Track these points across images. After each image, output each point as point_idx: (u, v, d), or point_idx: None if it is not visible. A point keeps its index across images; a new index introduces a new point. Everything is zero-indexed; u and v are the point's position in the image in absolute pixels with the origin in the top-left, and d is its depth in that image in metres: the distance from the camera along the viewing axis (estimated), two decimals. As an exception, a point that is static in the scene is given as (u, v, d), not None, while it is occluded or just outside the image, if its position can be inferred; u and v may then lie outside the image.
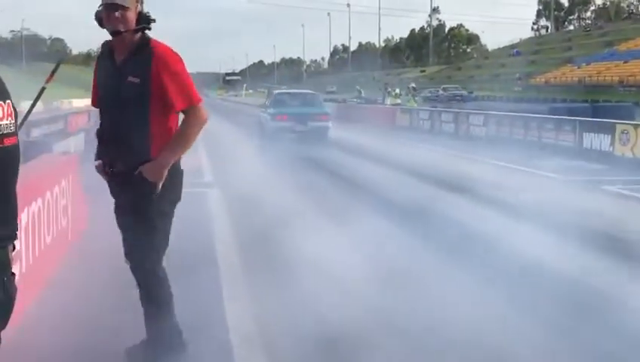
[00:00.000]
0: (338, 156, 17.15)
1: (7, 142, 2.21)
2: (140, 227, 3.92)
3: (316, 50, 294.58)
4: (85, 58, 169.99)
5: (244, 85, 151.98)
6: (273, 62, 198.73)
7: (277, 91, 25.49)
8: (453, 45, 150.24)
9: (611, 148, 15.32)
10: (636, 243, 7.55)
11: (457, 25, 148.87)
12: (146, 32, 3.87)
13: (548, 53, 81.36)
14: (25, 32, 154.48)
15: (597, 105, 31.96)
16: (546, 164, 14.73)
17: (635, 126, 14.94)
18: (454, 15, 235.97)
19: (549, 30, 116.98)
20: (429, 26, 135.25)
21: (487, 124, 21.63)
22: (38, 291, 5.23)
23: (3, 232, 2.23)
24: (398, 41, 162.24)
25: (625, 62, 59.40)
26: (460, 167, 14.38)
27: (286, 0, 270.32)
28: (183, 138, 3.90)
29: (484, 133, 21.62)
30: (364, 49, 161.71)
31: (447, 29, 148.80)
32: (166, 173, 3.86)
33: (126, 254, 4.05)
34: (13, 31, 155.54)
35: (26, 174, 5.51)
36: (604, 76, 58.25)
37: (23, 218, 4.92)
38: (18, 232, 2.33)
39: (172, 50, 3.91)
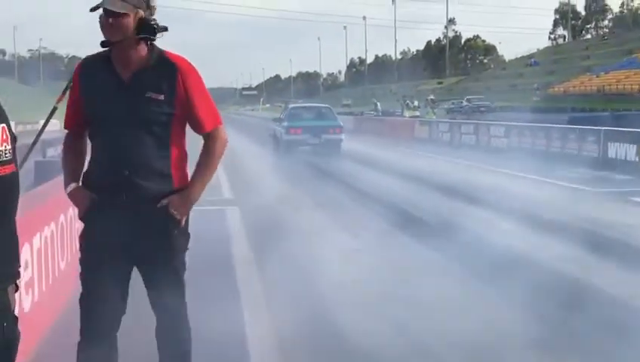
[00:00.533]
0: (355, 169, 16.95)
1: (3, 171, 1.99)
2: (170, 281, 3.33)
3: (333, 63, 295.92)
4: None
5: (261, 100, 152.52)
6: (290, 77, 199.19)
7: (291, 105, 25.74)
8: (469, 56, 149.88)
9: (637, 158, 14.95)
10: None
11: (474, 36, 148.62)
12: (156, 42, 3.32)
13: (566, 63, 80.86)
14: (43, 51, 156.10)
15: (618, 113, 31.45)
16: (570, 176, 14.42)
17: (663, 135, 14.58)
18: (470, 26, 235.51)
19: (566, 39, 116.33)
20: (446, 37, 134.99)
21: (508, 135, 21.31)
22: (52, 319, 5.01)
23: (1, 270, 2.00)
24: (414, 53, 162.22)
25: (644, 70, 58.84)
26: (483, 180, 14.08)
27: (302, 14, 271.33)
28: (211, 165, 3.37)
29: (505, 144, 21.29)
30: (381, 61, 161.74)
31: (463, 40, 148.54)
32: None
33: (162, 329, 3.42)
34: (31, 50, 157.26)
35: (39, 197, 5.34)
36: (624, 85, 57.70)
37: (35, 243, 4.71)
38: (21, 270, 2.10)
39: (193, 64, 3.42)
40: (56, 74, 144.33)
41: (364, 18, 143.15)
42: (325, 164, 17.74)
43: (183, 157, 3.34)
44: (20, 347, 2.12)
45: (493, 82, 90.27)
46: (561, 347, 4.75)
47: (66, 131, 3.46)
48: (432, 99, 40.97)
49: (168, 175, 3.25)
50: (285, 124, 21.75)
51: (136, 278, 3.39)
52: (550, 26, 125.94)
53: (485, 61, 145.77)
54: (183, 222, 3.28)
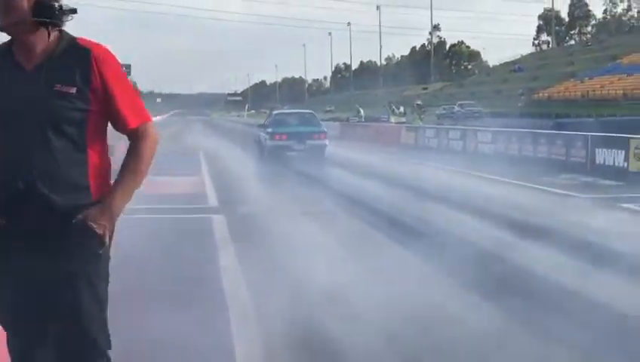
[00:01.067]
0: (340, 175, 16.84)
1: None
2: (91, 304, 2.69)
3: (318, 69, 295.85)
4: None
5: (246, 106, 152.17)
6: (275, 82, 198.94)
7: (275, 111, 25.75)
8: (454, 62, 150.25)
9: (625, 164, 14.91)
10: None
11: (458, 42, 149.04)
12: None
13: (550, 68, 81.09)
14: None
15: (603, 119, 31.51)
16: (558, 182, 14.36)
17: (651, 141, 14.53)
18: (455, 32, 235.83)
19: (550, 45, 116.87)
20: (430, 43, 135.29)
21: (495, 141, 21.25)
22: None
23: None
24: (399, 59, 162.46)
25: (628, 75, 59.04)
26: (470, 186, 13.99)
27: (287, 20, 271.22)
28: (138, 169, 2.75)
29: (492, 150, 21.22)
30: (366, 67, 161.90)
31: (448, 46, 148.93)
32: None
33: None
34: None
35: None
36: (608, 90, 57.87)
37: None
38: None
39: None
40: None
41: (349, 24, 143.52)
42: (310, 170, 17.61)
43: (104, 163, 2.74)
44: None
45: (477, 88, 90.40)
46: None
47: None
48: (418, 104, 40.44)
49: (84, 186, 2.67)
50: (269, 130, 21.84)
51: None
52: (534, 32, 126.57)
53: (470, 67, 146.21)
54: (107, 239, 2.69)
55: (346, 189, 13.94)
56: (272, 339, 4.84)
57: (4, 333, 2.77)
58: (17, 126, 2.61)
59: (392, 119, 38.35)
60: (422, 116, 37.90)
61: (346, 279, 6.55)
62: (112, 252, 2.80)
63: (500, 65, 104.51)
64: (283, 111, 29.42)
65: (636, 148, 14.64)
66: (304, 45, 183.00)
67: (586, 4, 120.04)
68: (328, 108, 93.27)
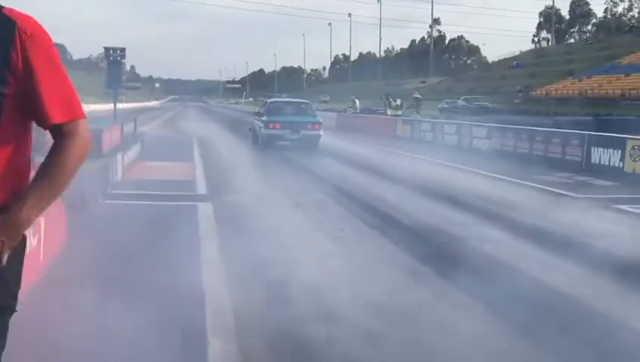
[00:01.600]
0: (333, 166, 16.69)
1: None
2: None
3: (317, 59, 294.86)
4: (86, 63, 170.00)
5: (244, 93, 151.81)
6: (274, 71, 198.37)
7: (270, 100, 25.51)
8: (453, 57, 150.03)
9: (621, 165, 14.74)
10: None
11: (458, 36, 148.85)
12: None
13: (549, 66, 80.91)
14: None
15: (600, 118, 31.34)
16: (553, 180, 14.19)
17: (648, 141, 14.35)
18: (455, 27, 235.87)
19: (549, 43, 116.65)
20: (430, 37, 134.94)
21: (490, 137, 21.05)
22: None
23: None
24: (398, 51, 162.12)
25: (627, 75, 58.91)
26: (463, 182, 13.81)
27: (287, 9, 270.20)
28: (59, 173, 2.18)
29: (487, 145, 21.04)
30: (365, 59, 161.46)
31: (447, 41, 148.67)
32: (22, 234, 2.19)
33: None
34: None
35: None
36: (606, 89, 57.76)
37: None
38: None
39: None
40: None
41: (350, 15, 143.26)
42: (303, 160, 17.46)
43: (18, 161, 2.19)
44: None
45: (476, 83, 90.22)
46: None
47: None
48: (416, 97, 39.79)
49: None
50: (264, 118, 21.67)
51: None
52: (534, 29, 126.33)
53: (469, 62, 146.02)
54: (5, 259, 2.11)
55: (336, 181, 13.77)
56: (248, 337, 4.67)
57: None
58: None
59: (389, 112, 37.86)
60: (418, 110, 37.52)
61: (329, 272, 6.40)
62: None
63: (499, 61, 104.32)
64: (278, 100, 29.21)
65: (632, 148, 14.46)
66: (304, 35, 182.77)
67: (587, 3, 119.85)
68: (323, 99, 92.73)
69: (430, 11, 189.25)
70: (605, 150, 15.33)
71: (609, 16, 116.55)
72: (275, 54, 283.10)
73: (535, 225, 9.17)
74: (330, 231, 8.51)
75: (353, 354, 4.50)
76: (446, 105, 57.68)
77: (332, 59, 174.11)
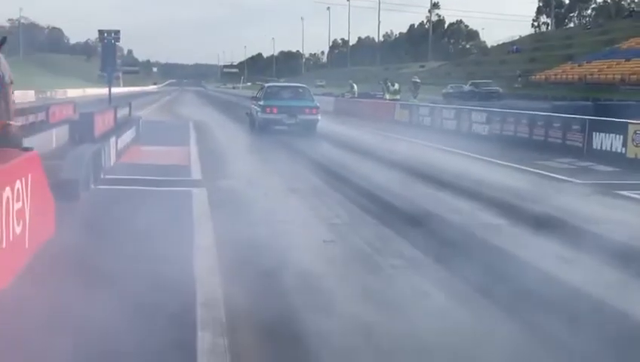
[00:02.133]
0: (331, 151, 16.47)
1: None
2: None
3: (315, 43, 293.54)
4: (84, 47, 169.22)
5: (242, 78, 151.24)
6: (272, 55, 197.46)
7: (268, 84, 25.18)
8: (452, 41, 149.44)
9: (623, 150, 14.50)
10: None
11: (457, 21, 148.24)
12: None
13: (548, 51, 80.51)
14: (23, 21, 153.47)
15: (600, 103, 31.10)
16: (554, 165, 13.97)
17: (651, 126, 14.09)
18: (454, 11, 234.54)
19: (549, 27, 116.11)
20: (429, 21, 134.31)
21: (490, 122, 20.80)
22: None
23: None
24: (397, 35, 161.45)
25: (627, 60, 58.57)
26: (462, 167, 13.61)
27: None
28: None
29: (486, 130, 20.80)
30: (364, 43, 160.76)
31: (446, 25, 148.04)
32: None
33: None
34: (11, 20, 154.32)
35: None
36: (606, 74, 57.44)
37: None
38: None
39: None
40: (36, 45, 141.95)
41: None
42: (300, 145, 17.23)
43: None
44: None
45: (475, 68, 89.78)
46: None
47: None
48: (415, 81, 39.26)
49: None
50: (261, 102, 21.35)
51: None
52: (533, 14, 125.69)
53: (468, 46, 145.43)
54: None
55: (333, 166, 13.56)
56: (240, 330, 4.46)
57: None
58: None
59: (387, 96, 37.49)
60: (415, 94, 37.12)
61: (323, 261, 6.20)
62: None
63: (498, 45, 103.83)
64: (276, 84, 28.91)
65: (635, 133, 14.23)
66: (302, 19, 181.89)
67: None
68: (319, 83, 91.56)
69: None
70: (607, 135, 15.09)
71: (609, 0, 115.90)
72: (273, 39, 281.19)
73: (538, 212, 8.96)
74: (327, 218, 8.30)
75: (348, 347, 4.31)
76: (451, 90, 55.18)
77: (330, 44, 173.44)
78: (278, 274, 5.67)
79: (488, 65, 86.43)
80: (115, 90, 28.32)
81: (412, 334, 4.47)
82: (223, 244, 6.61)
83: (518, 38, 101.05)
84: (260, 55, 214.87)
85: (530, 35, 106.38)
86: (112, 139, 13.03)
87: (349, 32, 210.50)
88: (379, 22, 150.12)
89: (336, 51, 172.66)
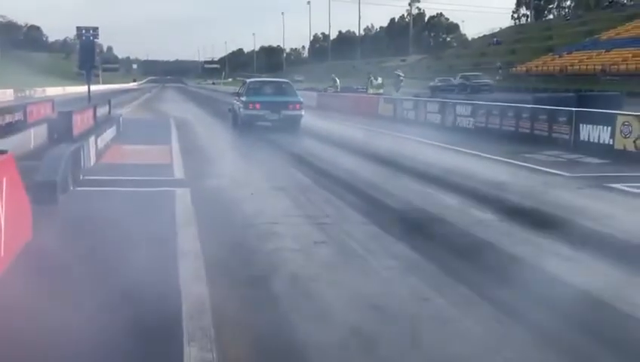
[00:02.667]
0: (316, 147, 16.19)
1: None
2: None
3: (296, 38, 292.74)
4: (62, 45, 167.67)
5: (223, 73, 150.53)
6: (253, 51, 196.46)
7: (250, 80, 24.82)
8: (432, 34, 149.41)
9: (611, 141, 14.34)
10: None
11: (437, 14, 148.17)
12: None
13: (528, 42, 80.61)
14: (0, 20, 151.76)
15: (582, 94, 31.00)
16: (541, 158, 13.79)
17: (639, 117, 13.92)
18: (434, 4, 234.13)
19: (528, 19, 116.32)
20: (409, 14, 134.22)
21: (475, 115, 20.61)
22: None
23: None
24: (378, 29, 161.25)
25: (607, 51, 58.71)
26: (450, 161, 13.40)
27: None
28: None
29: (471, 124, 20.62)
30: (344, 38, 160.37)
31: (426, 18, 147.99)
32: None
33: None
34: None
35: None
36: (587, 65, 57.54)
37: None
38: None
39: None
40: (14, 43, 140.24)
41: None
42: (284, 142, 16.93)
43: None
44: None
45: (455, 61, 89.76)
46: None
47: None
48: (398, 74, 38.86)
49: None
50: (244, 98, 20.97)
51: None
52: (513, 6, 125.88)
53: (448, 39, 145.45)
54: None
55: (318, 163, 13.29)
56: (229, 343, 4.19)
57: None
58: None
59: (370, 90, 37.22)
60: (397, 88, 36.84)
61: (315, 262, 5.95)
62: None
63: (479, 38, 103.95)
64: (258, 79, 28.56)
65: (623, 124, 14.07)
66: (283, 14, 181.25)
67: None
68: (297, 78, 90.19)
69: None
70: (594, 127, 14.93)
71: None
72: (254, 34, 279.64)
73: (528, 207, 8.77)
74: (315, 216, 8.04)
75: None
76: (439, 84, 54.24)
77: (311, 39, 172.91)
78: (268, 279, 5.41)
79: (469, 58, 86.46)
80: (94, 87, 27.79)
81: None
82: (209, 248, 6.33)
83: (498, 30, 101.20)
84: (240, 50, 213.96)
85: (510, 28, 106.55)
86: (92, 139, 12.69)
87: (329, 26, 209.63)
88: (359, 16, 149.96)
89: (317, 45, 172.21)
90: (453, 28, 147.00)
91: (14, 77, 79.02)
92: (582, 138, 15.31)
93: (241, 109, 20.85)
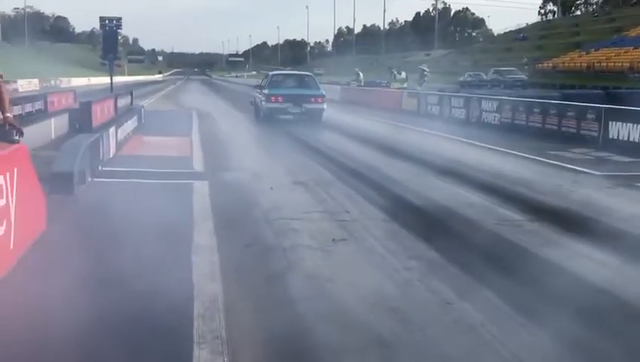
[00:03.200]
0: (338, 141, 15.93)
1: None
2: None
3: (320, 32, 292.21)
4: (89, 36, 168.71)
5: (247, 66, 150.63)
6: (277, 44, 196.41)
7: (272, 72, 24.65)
8: (458, 29, 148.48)
9: (641, 139, 13.96)
10: None
11: (463, 9, 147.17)
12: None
13: (555, 38, 79.77)
14: (28, 10, 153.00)
15: (610, 91, 30.47)
16: (570, 156, 13.45)
17: (669, 115, 13.53)
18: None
19: (555, 15, 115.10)
20: (435, 9, 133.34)
21: (501, 110, 20.25)
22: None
23: None
24: (402, 24, 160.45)
25: (635, 48, 57.86)
26: (476, 158, 13.11)
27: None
28: None
29: (497, 119, 20.26)
30: (369, 32, 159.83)
31: (452, 13, 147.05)
32: None
33: None
34: (16, 8, 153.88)
35: None
36: (614, 62, 56.75)
37: None
38: None
39: None
40: (41, 34, 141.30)
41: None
42: (306, 135, 16.70)
43: None
44: None
45: (481, 56, 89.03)
46: None
47: None
48: (422, 69, 38.28)
49: None
50: (266, 91, 20.82)
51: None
52: (540, 1, 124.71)
53: (474, 34, 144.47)
54: None
55: (340, 157, 13.06)
56: (241, 346, 3.99)
57: None
58: None
59: (394, 85, 36.71)
60: (421, 82, 36.28)
61: (334, 261, 5.73)
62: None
63: (505, 33, 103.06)
64: (280, 72, 28.39)
65: (653, 122, 13.68)
66: (307, 7, 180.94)
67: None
68: (317, 71, 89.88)
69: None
70: (624, 124, 14.54)
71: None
72: (278, 27, 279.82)
73: (557, 206, 8.48)
74: (334, 213, 7.82)
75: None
76: (469, 79, 53.19)
77: (335, 32, 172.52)
78: (284, 278, 5.20)
79: (494, 53, 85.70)
80: (119, 78, 27.81)
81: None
82: (225, 244, 6.14)
83: (524, 25, 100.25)
84: (264, 44, 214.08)
85: (536, 23, 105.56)
86: (112, 130, 12.54)
87: (354, 20, 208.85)
88: (384, 10, 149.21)
89: (342, 39, 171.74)
90: (479, 23, 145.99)
91: (41, 67, 79.59)
92: (611, 136, 14.93)
93: (263, 102, 20.71)
